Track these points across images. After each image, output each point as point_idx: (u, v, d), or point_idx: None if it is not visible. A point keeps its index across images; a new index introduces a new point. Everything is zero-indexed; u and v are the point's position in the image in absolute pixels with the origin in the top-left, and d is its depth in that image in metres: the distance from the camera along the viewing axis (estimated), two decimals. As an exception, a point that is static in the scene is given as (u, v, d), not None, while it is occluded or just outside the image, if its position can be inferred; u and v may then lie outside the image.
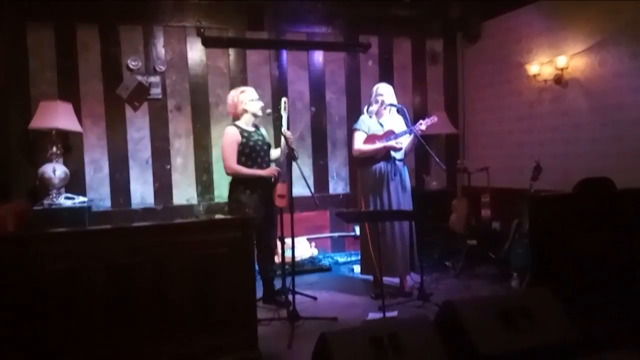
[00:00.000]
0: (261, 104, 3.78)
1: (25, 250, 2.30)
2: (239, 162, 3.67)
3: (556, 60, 4.40)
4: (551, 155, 4.45)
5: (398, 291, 4.00)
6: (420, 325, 2.25)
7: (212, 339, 2.57)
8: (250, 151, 3.68)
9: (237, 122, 3.75)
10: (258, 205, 3.67)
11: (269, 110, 3.85)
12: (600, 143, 4.14)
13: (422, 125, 3.77)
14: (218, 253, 2.62)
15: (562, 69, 4.39)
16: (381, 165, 3.90)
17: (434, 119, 3.84)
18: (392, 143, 3.84)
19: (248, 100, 3.72)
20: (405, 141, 3.92)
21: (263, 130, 3.87)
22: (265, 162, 3.76)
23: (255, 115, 3.76)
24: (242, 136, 3.67)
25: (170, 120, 4.77)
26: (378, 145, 3.86)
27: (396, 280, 4.09)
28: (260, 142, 3.74)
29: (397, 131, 3.91)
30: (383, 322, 3.03)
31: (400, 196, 3.93)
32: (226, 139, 3.67)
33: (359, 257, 4.20)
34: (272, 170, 3.70)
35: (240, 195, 3.67)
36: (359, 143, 3.95)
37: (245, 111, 3.73)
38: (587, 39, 4.22)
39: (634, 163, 3.82)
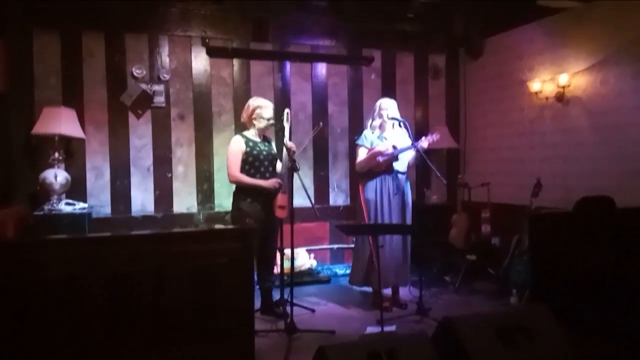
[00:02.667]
0: (271, 122, 3.79)
1: (24, 256, 2.30)
2: (243, 170, 3.73)
3: (558, 78, 4.43)
4: (552, 173, 4.46)
5: (392, 303, 3.99)
6: (418, 342, 2.23)
7: (209, 349, 2.55)
8: (254, 160, 3.73)
9: (245, 132, 3.84)
10: (259, 215, 3.69)
11: (270, 121, 3.85)
12: (601, 161, 4.15)
13: (425, 142, 3.78)
14: (217, 263, 2.61)
15: (563, 87, 4.41)
16: (383, 178, 3.91)
17: (436, 136, 3.83)
18: (378, 148, 3.84)
19: (259, 117, 3.78)
20: (407, 156, 3.94)
21: (272, 144, 3.92)
22: (269, 172, 3.78)
23: (262, 130, 3.83)
24: (247, 145, 3.74)
25: (173, 129, 4.79)
26: (370, 153, 3.87)
27: (389, 291, 4.08)
28: (265, 153, 3.78)
29: (399, 146, 3.92)
30: (381, 337, 3.01)
31: (400, 211, 3.94)
32: (230, 148, 3.76)
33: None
34: (273, 182, 3.71)
35: (242, 204, 3.71)
36: (361, 158, 3.97)
37: (253, 125, 3.81)
38: (589, 57, 4.25)
39: (634, 182, 3.83)
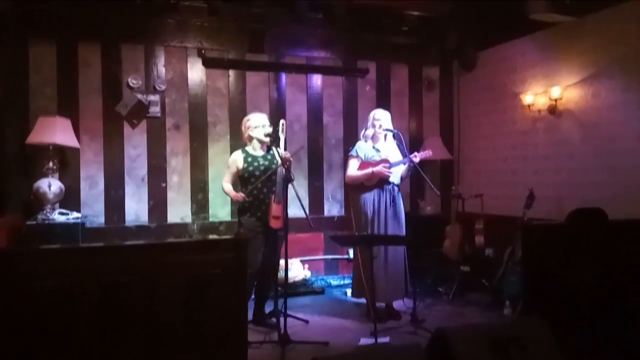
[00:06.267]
0: (268, 130, 3.83)
1: (17, 266, 2.29)
2: (242, 186, 3.83)
3: (550, 90, 4.48)
4: (544, 184, 4.49)
5: (386, 315, 3.98)
6: (411, 353, 2.23)
7: (201, 361, 2.53)
8: (249, 177, 3.77)
9: (246, 147, 3.90)
10: (257, 228, 3.72)
11: (267, 131, 3.87)
12: (593, 174, 4.19)
13: (417, 157, 3.82)
14: (211, 273, 2.60)
15: (556, 100, 4.46)
16: (374, 193, 3.93)
17: (428, 152, 3.91)
18: (379, 169, 3.86)
19: (253, 127, 3.84)
20: (399, 168, 3.96)
21: (275, 154, 3.82)
22: (267, 187, 3.78)
23: (261, 141, 3.85)
24: (245, 161, 3.80)
25: (168, 139, 4.79)
26: (367, 170, 3.89)
27: (383, 304, 4.07)
28: (262, 169, 3.79)
29: (392, 159, 3.94)
30: (375, 349, 3.01)
31: (392, 224, 3.94)
32: (229, 161, 3.91)
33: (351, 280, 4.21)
34: (237, 195, 3.75)
35: (242, 218, 3.81)
36: (352, 170, 3.99)
37: (251, 138, 3.85)
38: (580, 70, 4.30)
39: (626, 194, 3.86)
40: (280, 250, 3.78)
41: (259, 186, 3.74)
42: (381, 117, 4.02)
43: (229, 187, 3.85)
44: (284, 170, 3.61)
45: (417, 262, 4.27)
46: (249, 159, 3.80)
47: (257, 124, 3.83)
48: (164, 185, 4.78)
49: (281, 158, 3.64)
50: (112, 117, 4.61)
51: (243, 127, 3.93)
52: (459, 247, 4.79)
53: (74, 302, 2.33)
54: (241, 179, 3.82)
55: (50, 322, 2.28)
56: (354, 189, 4.05)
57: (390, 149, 4.04)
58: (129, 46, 4.67)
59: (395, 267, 3.93)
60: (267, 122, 3.87)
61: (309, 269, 5.05)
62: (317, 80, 5.33)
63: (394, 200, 3.96)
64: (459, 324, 3.63)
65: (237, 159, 3.81)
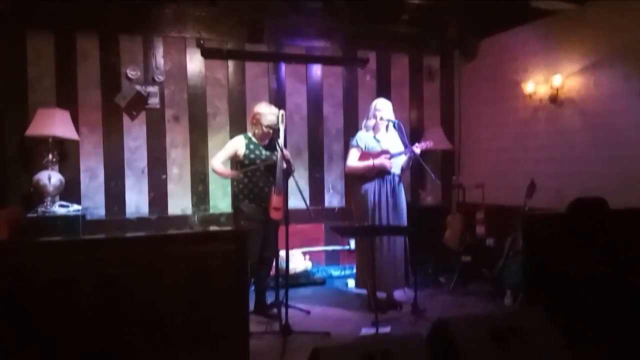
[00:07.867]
0: (269, 130, 3.82)
1: (17, 259, 2.29)
2: (236, 169, 3.83)
3: (551, 79, 4.46)
4: (545, 174, 4.47)
5: (387, 305, 3.99)
6: (413, 343, 2.24)
7: (203, 352, 2.54)
8: (250, 163, 3.77)
9: (249, 133, 3.93)
10: (258, 215, 3.74)
11: (269, 130, 3.87)
12: (594, 163, 4.18)
13: (417, 148, 3.81)
14: (212, 265, 2.60)
15: (557, 89, 4.43)
16: (375, 183, 3.92)
17: (429, 143, 3.90)
18: (380, 161, 3.85)
19: (258, 123, 3.84)
20: (400, 159, 3.95)
21: (277, 146, 3.82)
22: (265, 176, 3.80)
23: (260, 135, 3.88)
24: (247, 148, 3.81)
25: (168, 130, 4.78)
26: (368, 162, 3.88)
27: (384, 293, 4.08)
28: (263, 158, 3.80)
29: (392, 150, 3.93)
30: (376, 339, 3.02)
31: (393, 215, 3.94)
32: (229, 142, 3.93)
33: (354, 271, 4.22)
34: (234, 172, 3.85)
35: (240, 204, 3.79)
36: (352, 160, 3.98)
37: (253, 130, 3.89)
38: (582, 59, 4.27)
39: (627, 183, 3.85)
40: (277, 240, 3.79)
41: (257, 174, 3.75)
42: (382, 107, 4.00)
43: (220, 166, 3.86)
44: (284, 163, 3.61)
45: (418, 253, 4.28)
46: (251, 146, 3.81)
47: (268, 124, 3.80)
48: (164, 177, 4.77)
49: (280, 148, 3.63)
50: (111, 109, 4.59)
51: (254, 114, 3.87)
52: (459, 237, 4.79)
53: (74, 295, 2.33)
54: (241, 165, 3.81)
55: (50, 314, 2.28)
56: (354, 180, 4.04)
57: (391, 140, 4.03)
58: (127, 37, 4.64)
59: (396, 257, 3.94)
60: (276, 123, 3.82)
61: (310, 260, 5.06)
62: (317, 70, 5.30)
63: (394, 191, 3.96)
64: (460, 314, 3.65)
65: (239, 145, 3.81)
